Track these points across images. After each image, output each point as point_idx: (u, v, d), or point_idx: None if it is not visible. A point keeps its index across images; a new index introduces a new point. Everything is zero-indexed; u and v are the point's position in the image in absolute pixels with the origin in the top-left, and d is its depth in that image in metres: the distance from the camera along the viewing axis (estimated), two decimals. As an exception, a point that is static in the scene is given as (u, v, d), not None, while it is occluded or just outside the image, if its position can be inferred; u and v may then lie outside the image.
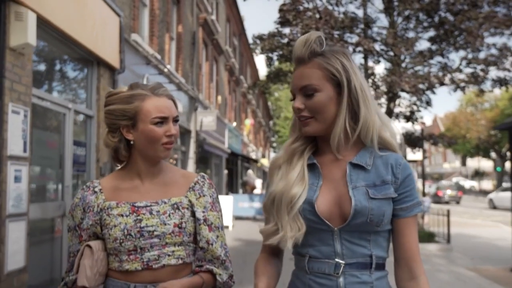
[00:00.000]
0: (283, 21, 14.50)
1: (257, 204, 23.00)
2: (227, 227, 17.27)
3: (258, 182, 31.70)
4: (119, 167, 2.16)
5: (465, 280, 9.07)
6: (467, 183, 58.85)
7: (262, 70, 55.67)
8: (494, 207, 32.80)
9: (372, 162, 1.84)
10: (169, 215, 2.00)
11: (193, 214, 2.06)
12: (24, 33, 5.50)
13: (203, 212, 2.07)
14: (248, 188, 29.93)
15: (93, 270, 1.94)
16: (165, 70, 13.20)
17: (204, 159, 20.20)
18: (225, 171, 26.30)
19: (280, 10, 14.37)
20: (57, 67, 7.72)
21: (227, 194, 23.71)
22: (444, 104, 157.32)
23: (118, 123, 2.03)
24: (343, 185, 1.81)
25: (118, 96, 2.04)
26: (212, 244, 2.04)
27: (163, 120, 1.99)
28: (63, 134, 7.20)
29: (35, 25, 5.68)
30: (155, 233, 1.96)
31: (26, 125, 5.73)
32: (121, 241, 1.95)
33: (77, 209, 2.05)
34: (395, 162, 1.84)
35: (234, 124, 29.19)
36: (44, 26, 6.20)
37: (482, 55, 14.31)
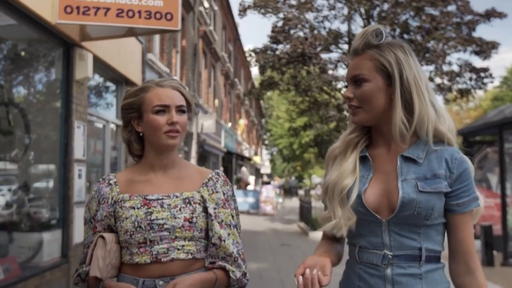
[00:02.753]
0: (275, 41, 16.59)
1: (251, 199, 25.04)
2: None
3: (251, 179, 33.63)
4: (136, 162, 2.19)
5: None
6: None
7: (255, 71, 57.28)
8: None
9: (424, 155, 1.82)
10: (180, 209, 2.01)
11: (205, 209, 2.05)
12: (85, 69, 7.49)
13: (215, 208, 2.06)
14: (242, 184, 31.74)
15: (106, 261, 1.95)
16: (172, 81, 15.21)
17: (203, 158, 22.15)
18: (221, 169, 28.07)
19: (273, 31, 16.45)
20: (98, 88, 9.68)
21: (223, 189, 25.57)
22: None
23: (128, 116, 2.11)
24: (393, 178, 1.82)
25: (129, 92, 2.13)
26: (224, 241, 2.02)
27: (164, 109, 2.02)
28: (104, 141, 9.25)
29: (92, 62, 7.68)
30: (165, 226, 1.96)
31: (84, 136, 7.74)
32: (132, 233, 1.96)
33: (93, 201, 2.10)
34: (451, 157, 1.80)
35: (229, 124, 31.10)
36: (95, 61, 8.16)
37: (446, 69, 16.52)
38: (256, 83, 35.18)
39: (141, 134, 2.11)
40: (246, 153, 41.19)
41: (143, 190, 2.05)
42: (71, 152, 7.31)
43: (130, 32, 7.32)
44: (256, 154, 52.67)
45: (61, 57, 7.36)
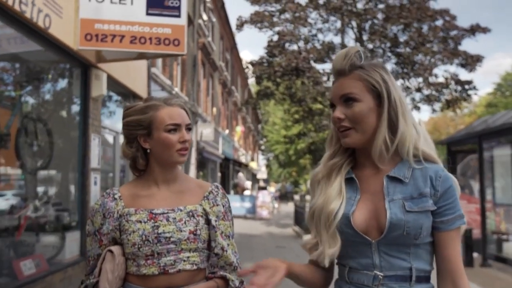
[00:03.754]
0: (270, 55, 17.48)
1: (247, 204, 25.78)
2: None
3: (248, 184, 34.34)
4: (138, 176, 2.25)
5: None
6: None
7: (252, 79, 57.68)
8: None
9: (410, 174, 1.82)
10: (185, 222, 2.08)
11: (207, 221, 2.14)
12: (100, 87, 8.36)
13: (216, 221, 2.15)
14: (239, 190, 32.48)
15: (114, 274, 2.02)
16: (174, 92, 16.10)
17: (202, 164, 22.95)
18: (219, 174, 29.00)
19: (268, 46, 17.35)
20: (109, 102, 10.54)
21: (221, 195, 26.31)
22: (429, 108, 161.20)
23: (135, 133, 2.13)
24: (380, 198, 1.80)
25: (134, 109, 2.15)
26: (226, 251, 2.13)
27: (176, 127, 2.09)
28: (114, 151, 10.13)
29: (106, 81, 8.55)
30: (172, 239, 2.04)
31: (99, 147, 8.60)
32: (139, 246, 2.02)
33: (97, 215, 2.14)
34: (435, 174, 1.80)
35: (227, 131, 31.93)
36: (108, 79, 9.02)
37: (432, 81, 17.48)
38: (253, 90, 36.03)
39: (148, 151, 2.17)
40: (243, 159, 41.92)
41: (148, 204, 2.12)
42: (88, 162, 8.17)
43: (141, 56, 8.22)
44: (252, 159, 53.15)
45: (79, 77, 8.24)
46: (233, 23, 36.52)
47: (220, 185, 2.35)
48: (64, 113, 8.50)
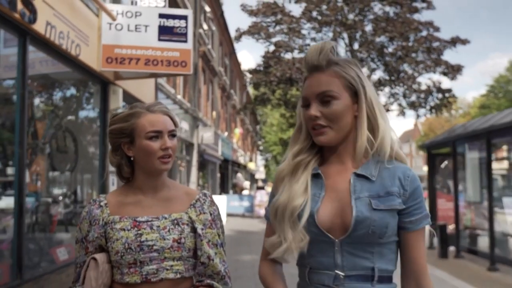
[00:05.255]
0: (267, 65, 18.77)
1: (246, 203, 26.87)
2: (222, 220, 21.48)
3: (246, 184, 35.38)
4: (125, 183, 2.24)
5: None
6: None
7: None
8: None
9: (377, 173, 1.78)
10: (169, 230, 2.05)
11: (193, 230, 2.10)
12: (117, 101, 9.65)
13: (202, 229, 2.11)
14: (238, 189, 33.49)
15: (98, 282, 2.01)
16: (177, 99, 17.39)
17: (202, 166, 24.13)
18: (218, 175, 30.18)
19: (264, 57, 18.64)
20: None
21: (220, 194, 27.52)
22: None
23: (118, 141, 2.14)
24: (346, 196, 1.76)
25: (118, 117, 2.16)
26: (212, 260, 2.09)
27: (157, 134, 2.06)
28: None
29: (122, 95, 9.84)
30: (154, 247, 2.01)
31: (115, 153, 9.87)
32: (122, 254, 2.01)
33: (84, 222, 2.13)
34: (403, 175, 1.78)
35: (226, 134, 33.14)
36: (123, 93, 10.30)
37: (416, 88, 18.84)
38: (251, 92, 37.16)
39: (132, 159, 2.16)
40: (242, 160, 42.99)
41: (133, 212, 2.10)
42: (107, 165, 9.35)
43: (153, 75, 9.52)
44: (251, 160, 53.93)
45: (99, 92, 9.52)
46: (231, 29, 37.75)
47: (208, 192, 2.32)
48: (86, 124, 9.81)
